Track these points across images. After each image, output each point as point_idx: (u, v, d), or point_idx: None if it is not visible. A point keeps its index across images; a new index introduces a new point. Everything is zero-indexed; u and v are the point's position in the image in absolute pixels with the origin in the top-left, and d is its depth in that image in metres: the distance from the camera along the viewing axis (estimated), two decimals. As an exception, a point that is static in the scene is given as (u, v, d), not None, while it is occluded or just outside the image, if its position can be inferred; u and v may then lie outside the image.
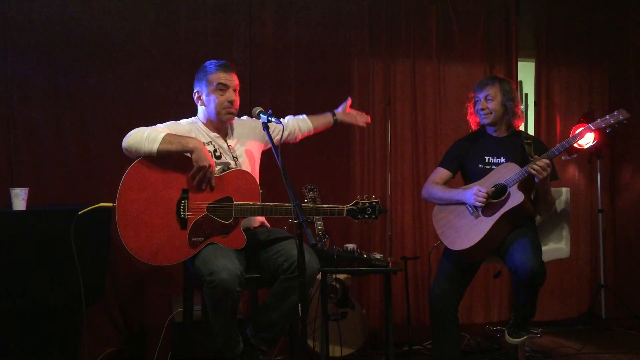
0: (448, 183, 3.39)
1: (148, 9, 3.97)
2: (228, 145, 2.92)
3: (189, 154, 2.67)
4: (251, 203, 2.72)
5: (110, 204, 2.67)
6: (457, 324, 3.23)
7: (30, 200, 3.09)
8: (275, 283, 2.74)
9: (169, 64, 3.97)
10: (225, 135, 2.95)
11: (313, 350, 3.65)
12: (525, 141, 3.26)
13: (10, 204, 3.06)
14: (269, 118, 2.71)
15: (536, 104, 4.81)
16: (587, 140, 4.57)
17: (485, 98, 3.29)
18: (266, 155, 3.09)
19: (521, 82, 5.02)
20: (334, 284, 3.73)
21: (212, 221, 2.70)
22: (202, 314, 2.75)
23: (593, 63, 4.93)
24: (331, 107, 3.33)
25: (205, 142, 2.84)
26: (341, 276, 3.76)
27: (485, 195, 3.10)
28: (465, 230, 3.15)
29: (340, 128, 4.22)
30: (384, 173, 4.42)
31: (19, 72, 3.75)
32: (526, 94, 5.23)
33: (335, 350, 3.64)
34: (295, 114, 3.26)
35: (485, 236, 3.07)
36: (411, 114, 4.49)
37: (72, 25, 3.83)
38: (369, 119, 3.42)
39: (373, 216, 2.79)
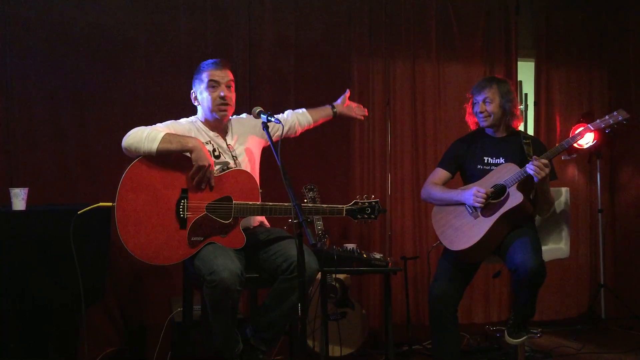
0: (447, 183, 3.39)
1: (148, 8, 3.96)
2: (227, 144, 2.92)
3: (188, 154, 2.67)
4: (250, 203, 2.72)
5: (110, 204, 2.67)
6: (456, 323, 3.23)
7: (29, 200, 3.09)
8: (275, 284, 2.73)
9: (169, 64, 3.97)
10: (224, 134, 2.95)
11: (313, 350, 3.65)
12: (524, 141, 3.26)
13: (9, 203, 3.06)
14: (269, 118, 2.71)
15: (536, 103, 4.81)
16: (587, 140, 4.57)
17: (484, 101, 3.28)
18: (266, 155, 3.08)
19: (521, 82, 5.02)
20: (333, 283, 3.73)
21: (212, 221, 2.70)
22: (202, 314, 2.75)
23: (593, 63, 4.93)
24: (331, 107, 3.33)
25: (204, 141, 2.84)
26: (341, 276, 3.77)
27: (485, 195, 3.09)
28: (465, 231, 3.15)
29: (339, 128, 4.26)
30: (383, 173, 4.42)
31: (19, 72, 3.75)
32: (526, 94, 5.23)
33: (334, 350, 3.64)
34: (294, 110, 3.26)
35: (484, 236, 3.07)
36: (411, 113, 4.49)
37: (71, 25, 3.83)
38: (366, 111, 3.44)
39: (372, 216, 2.80)
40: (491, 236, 3.09)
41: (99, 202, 2.77)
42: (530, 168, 3.00)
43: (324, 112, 3.28)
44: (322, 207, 2.81)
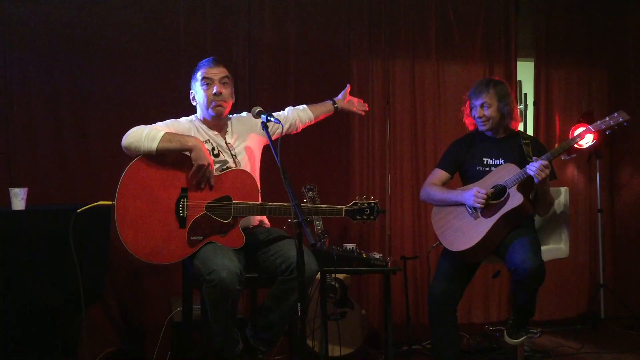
0: (446, 184, 3.39)
1: (147, 8, 3.96)
2: (226, 143, 2.92)
3: (188, 153, 2.68)
4: (250, 202, 2.72)
5: (109, 202, 2.67)
6: (456, 323, 3.23)
7: (29, 200, 3.08)
8: (274, 284, 2.73)
9: (168, 63, 3.97)
10: (224, 132, 2.95)
11: (312, 349, 3.65)
12: (524, 142, 3.26)
13: (9, 203, 3.05)
14: (268, 117, 2.71)
15: (535, 103, 4.81)
16: (586, 140, 4.57)
17: (482, 105, 3.27)
18: (266, 154, 3.09)
19: (520, 81, 5.02)
20: (333, 283, 3.73)
21: (211, 220, 2.70)
22: (202, 314, 2.75)
23: (592, 63, 4.93)
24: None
25: (204, 140, 2.84)
26: (340, 276, 3.77)
27: (485, 196, 3.09)
28: (465, 231, 3.15)
29: (339, 128, 4.26)
30: (383, 172, 4.42)
31: (18, 72, 3.75)
32: (525, 94, 5.23)
33: (334, 350, 3.64)
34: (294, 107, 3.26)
35: (484, 237, 3.07)
36: (410, 113, 4.49)
37: (71, 25, 3.83)
38: (367, 106, 3.44)
39: (372, 217, 2.79)
40: (491, 237, 3.09)
41: (98, 202, 2.77)
42: (530, 169, 3.00)
43: (325, 108, 3.28)
44: (322, 207, 2.81)
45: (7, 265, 2.89)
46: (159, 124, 2.80)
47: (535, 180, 3.00)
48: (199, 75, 2.88)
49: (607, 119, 3.09)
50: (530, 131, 4.88)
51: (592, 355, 3.95)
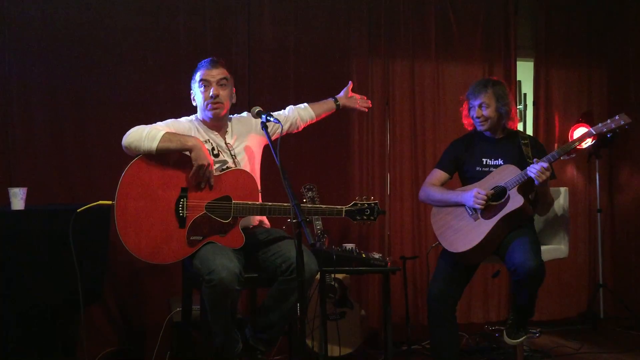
0: (445, 184, 3.39)
1: (147, 8, 3.96)
2: (226, 143, 2.92)
3: (188, 152, 2.67)
4: (250, 202, 2.71)
5: (109, 202, 2.67)
6: (455, 323, 3.23)
7: (28, 200, 3.08)
8: (274, 284, 2.73)
9: (168, 64, 3.97)
10: (223, 133, 2.95)
11: (312, 349, 3.65)
12: (523, 142, 3.26)
13: (8, 203, 3.05)
14: (267, 118, 2.71)
15: (535, 103, 4.81)
16: (586, 140, 4.55)
17: (480, 105, 3.27)
18: (266, 154, 3.08)
19: (520, 81, 5.02)
20: (332, 283, 3.73)
21: (211, 220, 2.70)
22: (201, 314, 2.75)
23: (592, 62, 4.93)
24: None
25: (203, 140, 2.84)
26: (340, 276, 3.77)
27: (485, 197, 3.09)
28: (464, 233, 3.15)
29: (339, 128, 4.26)
30: (382, 172, 4.42)
31: (18, 71, 3.75)
32: (525, 94, 5.23)
33: (334, 350, 3.64)
34: None
35: (484, 239, 3.07)
36: (410, 113, 4.49)
37: (70, 25, 3.82)
38: (370, 103, 3.40)
39: (372, 217, 2.79)
40: (491, 238, 3.09)
41: (98, 201, 2.76)
42: (531, 172, 2.99)
43: (326, 106, 3.26)
44: (322, 208, 2.80)
45: (6, 265, 2.88)
46: (159, 123, 2.80)
47: (536, 182, 3.00)
48: (197, 76, 2.88)
49: (609, 121, 3.07)
50: (529, 131, 4.88)
51: (592, 355, 3.95)
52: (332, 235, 4.01)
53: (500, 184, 3.13)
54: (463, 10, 4.61)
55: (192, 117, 2.97)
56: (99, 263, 3.14)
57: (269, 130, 2.75)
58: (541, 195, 3.14)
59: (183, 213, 2.68)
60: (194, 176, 2.68)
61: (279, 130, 3.00)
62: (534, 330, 4.25)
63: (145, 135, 2.65)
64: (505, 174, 3.14)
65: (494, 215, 3.08)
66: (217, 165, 2.81)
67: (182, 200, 2.69)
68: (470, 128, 3.43)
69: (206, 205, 2.70)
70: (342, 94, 3.31)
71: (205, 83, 2.85)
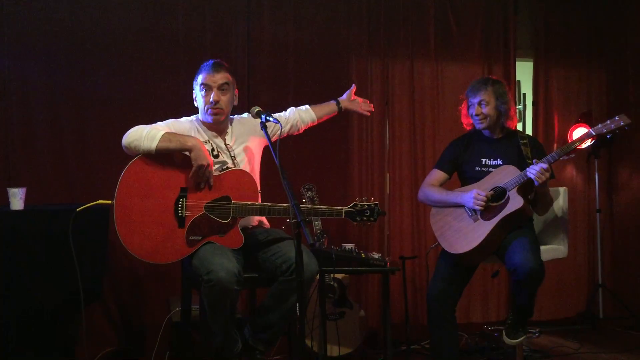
0: (444, 184, 3.39)
1: (146, 7, 3.96)
2: (226, 144, 2.92)
3: (187, 153, 2.67)
4: (249, 203, 2.71)
5: (109, 201, 2.67)
6: (454, 323, 3.23)
7: (27, 200, 3.08)
8: (274, 284, 2.73)
9: (168, 63, 3.97)
10: (224, 134, 2.95)
11: (311, 349, 3.65)
12: (522, 141, 3.25)
13: (7, 203, 3.05)
14: (267, 118, 2.71)
15: (534, 103, 4.82)
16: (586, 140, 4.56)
17: (479, 103, 3.27)
18: (265, 154, 3.08)
19: (519, 81, 5.02)
20: (332, 283, 3.73)
21: (210, 220, 2.70)
22: (200, 314, 2.75)
23: (591, 63, 4.93)
24: (329, 107, 3.32)
25: (203, 140, 2.84)
26: (339, 276, 3.77)
27: (485, 198, 3.08)
28: (464, 234, 3.14)
29: (338, 128, 4.26)
30: (382, 173, 4.42)
31: (17, 71, 3.74)
32: (524, 94, 5.23)
33: (333, 350, 3.64)
34: None
35: (484, 240, 3.07)
36: (409, 113, 4.49)
37: (71, 25, 3.82)
38: (372, 107, 3.37)
39: (372, 218, 2.78)
40: (491, 239, 3.08)
41: (97, 201, 2.76)
42: (531, 172, 2.99)
43: (328, 108, 3.24)
44: (322, 208, 2.80)
45: (5, 265, 2.88)
46: (159, 123, 2.80)
47: (536, 183, 3.00)
48: (199, 79, 2.87)
49: (609, 122, 3.06)
50: (529, 131, 4.89)
51: (591, 355, 3.95)
52: (332, 235, 4.01)
53: (499, 185, 3.13)
54: (462, 10, 4.61)
55: (193, 117, 2.97)
56: (98, 263, 3.13)
57: (268, 130, 2.74)
58: (541, 195, 3.14)
59: (182, 213, 2.68)
60: (194, 176, 2.68)
61: (279, 131, 3.00)
62: (534, 330, 4.25)
63: (145, 135, 2.65)
64: (504, 175, 3.14)
65: (494, 217, 3.08)
66: (216, 166, 2.81)
67: (181, 200, 2.69)
68: (469, 128, 3.42)
69: (205, 205, 2.70)
70: (344, 96, 3.28)
71: (207, 87, 2.85)
